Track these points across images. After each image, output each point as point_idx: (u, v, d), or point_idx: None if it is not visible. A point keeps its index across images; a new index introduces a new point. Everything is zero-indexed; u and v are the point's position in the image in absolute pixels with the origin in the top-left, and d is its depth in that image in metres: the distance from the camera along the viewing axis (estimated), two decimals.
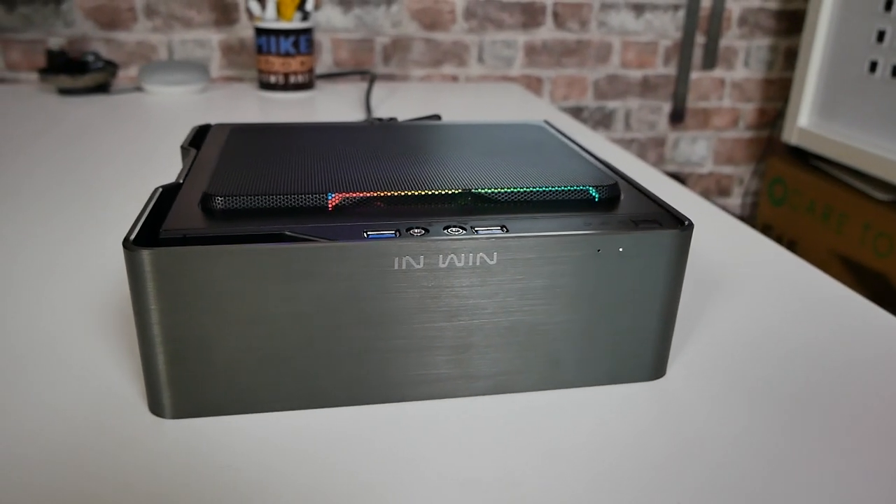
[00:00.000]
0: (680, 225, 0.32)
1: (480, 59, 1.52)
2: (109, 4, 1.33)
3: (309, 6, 1.10)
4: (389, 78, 1.49)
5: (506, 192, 0.34)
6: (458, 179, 0.35)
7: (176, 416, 0.31)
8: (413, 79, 1.50)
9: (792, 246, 1.66)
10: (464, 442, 0.30)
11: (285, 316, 0.30)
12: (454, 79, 1.52)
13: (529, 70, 1.55)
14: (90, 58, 1.05)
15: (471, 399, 0.33)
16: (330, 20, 1.42)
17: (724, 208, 1.80)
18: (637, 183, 0.38)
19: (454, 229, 0.30)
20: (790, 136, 1.57)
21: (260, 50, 1.09)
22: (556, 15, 1.52)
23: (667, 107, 1.67)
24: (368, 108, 0.95)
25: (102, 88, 1.07)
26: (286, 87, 1.10)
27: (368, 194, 0.33)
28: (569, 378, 0.33)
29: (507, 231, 0.30)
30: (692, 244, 0.52)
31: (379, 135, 0.44)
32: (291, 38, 1.07)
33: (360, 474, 0.28)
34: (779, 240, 1.70)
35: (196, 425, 0.31)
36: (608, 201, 0.35)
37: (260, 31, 1.08)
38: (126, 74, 1.37)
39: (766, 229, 1.75)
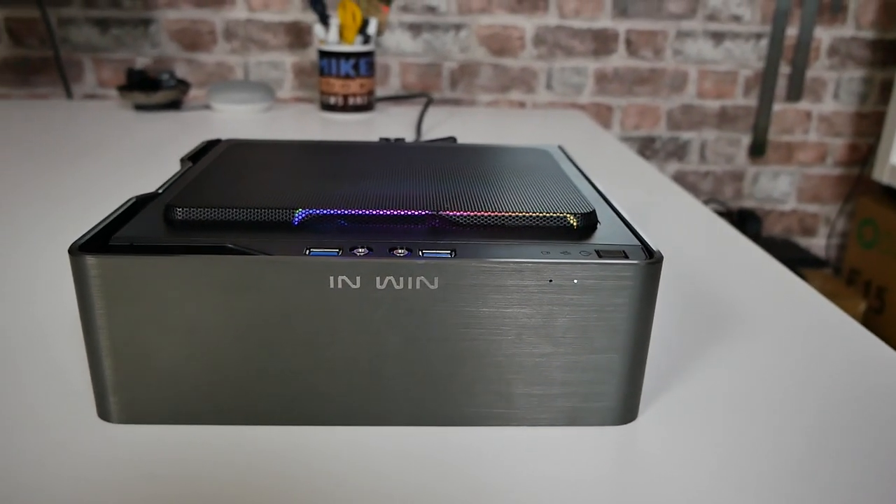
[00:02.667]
0: (647, 257, 0.30)
1: (549, 86, 1.50)
2: (192, 27, 1.40)
3: (371, 30, 1.12)
4: (455, 102, 1.50)
5: (473, 216, 0.33)
6: (430, 201, 0.34)
7: (122, 421, 0.31)
8: (479, 104, 1.50)
9: (881, 293, 1.54)
10: (393, 475, 0.29)
11: (222, 329, 0.29)
12: (521, 105, 1.51)
13: (599, 98, 1.52)
14: (165, 76, 1.11)
15: (408, 429, 0.31)
16: (399, 44, 1.44)
17: (808, 249, 1.70)
18: (622, 213, 0.35)
19: (401, 251, 0.29)
20: (882, 174, 1.47)
21: (322, 72, 1.12)
22: (628, 42, 1.48)
23: (746, 139, 1.60)
24: (419, 131, 0.95)
25: (174, 105, 1.12)
26: (345, 108, 1.12)
27: (331, 212, 0.33)
28: (520, 415, 0.31)
29: (456, 255, 0.29)
30: (711, 276, 0.49)
31: (377, 154, 0.44)
32: (352, 61, 1.10)
33: (278, 496, 0.27)
34: (867, 286, 1.59)
35: (138, 432, 0.31)
36: (584, 230, 0.33)
37: (322, 54, 1.11)
38: (200, 93, 1.44)
39: (854, 274, 1.64)
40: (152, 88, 1.09)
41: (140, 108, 1.10)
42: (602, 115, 1.54)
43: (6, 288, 0.45)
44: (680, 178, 1.62)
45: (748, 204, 1.66)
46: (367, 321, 0.29)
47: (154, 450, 0.30)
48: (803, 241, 1.71)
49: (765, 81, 1.54)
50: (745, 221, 1.56)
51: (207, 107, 1.14)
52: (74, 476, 0.28)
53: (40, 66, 1.41)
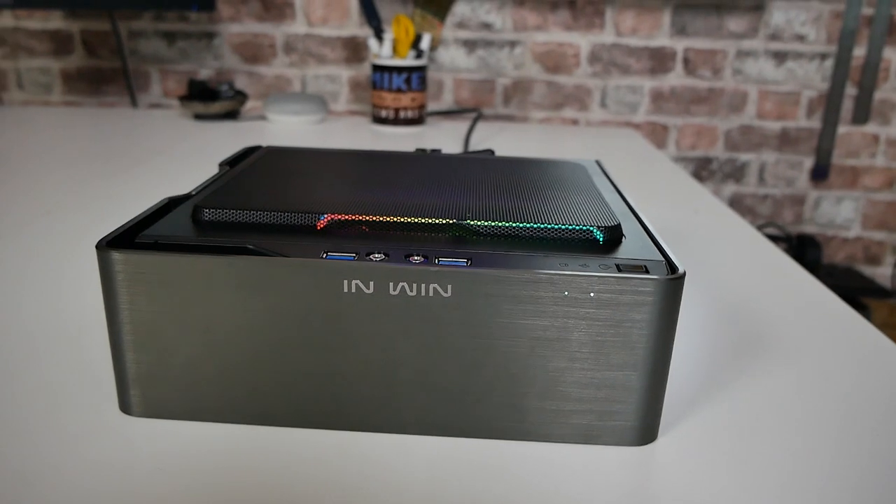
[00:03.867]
0: (669, 273, 0.29)
1: (603, 104, 1.49)
2: (254, 41, 1.44)
3: (424, 45, 1.13)
4: (508, 119, 1.50)
5: (496, 226, 0.33)
6: (454, 210, 0.34)
7: (141, 415, 0.32)
8: (532, 121, 1.50)
9: None
10: (398, 483, 0.28)
11: (238, 329, 0.30)
12: (574, 122, 1.50)
13: (655, 117, 1.50)
14: (223, 87, 1.14)
15: (418, 438, 0.31)
16: (454, 60, 1.45)
17: (872, 279, 1.63)
18: (650, 229, 0.35)
19: (417, 258, 0.29)
20: None
21: (374, 85, 1.13)
22: (686, 61, 1.46)
23: (808, 162, 1.55)
24: (466, 145, 0.96)
25: (232, 115, 1.16)
26: (396, 121, 1.13)
27: (354, 218, 0.33)
28: (534, 430, 0.31)
29: (471, 264, 0.29)
30: (752, 299, 0.47)
31: (410, 164, 0.44)
32: (404, 75, 1.11)
33: (283, 498, 0.27)
34: None
35: (156, 426, 0.31)
36: (609, 244, 0.32)
37: (375, 68, 1.12)
38: (258, 105, 1.48)
39: None
40: (211, 99, 1.13)
41: (199, 117, 1.14)
42: (657, 135, 1.51)
43: (58, 284, 0.46)
44: (737, 201, 1.57)
45: (809, 229, 1.60)
46: (380, 327, 0.29)
47: (169, 444, 0.30)
48: (867, 270, 1.64)
49: (829, 103, 1.49)
50: (805, 247, 1.50)
51: (263, 117, 1.17)
52: (90, 465, 0.29)
53: (110, 76, 1.47)
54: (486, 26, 1.43)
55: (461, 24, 1.43)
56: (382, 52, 1.13)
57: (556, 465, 0.30)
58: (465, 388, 0.30)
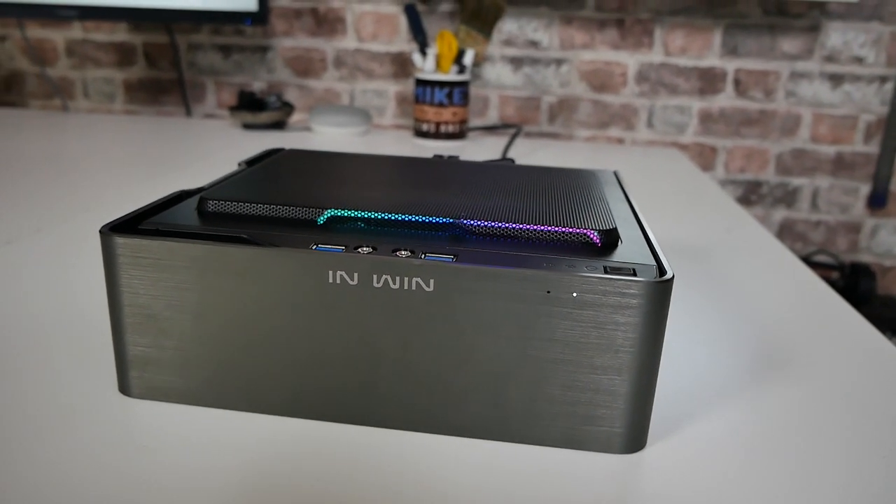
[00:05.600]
0: (657, 276, 0.29)
1: (650, 124, 1.47)
2: (305, 55, 1.48)
3: (467, 61, 1.14)
4: (553, 136, 1.49)
5: (491, 226, 0.33)
6: (453, 209, 0.35)
7: (138, 396, 0.33)
8: (577, 139, 1.49)
9: None
10: (373, 478, 0.29)
11: (229, 316, 0.30)
12: (619, 141, 1.49)
13: (703, 138, 1.47)
14: (272, 99, 1.18)
15: (399, 433, 0.31)
16: (500, 77, 1.46)
17: None
18: (650, 236, 0.34)
19: (404, 252, 0.30)
20: None
21: (417, 99, 1.15)
22: (737, 82, 1.43)
23: (865, 189, 1.49)
24: (504, 158, 0.96)
25: (279, 125, 1.19)
26: (437, 135, 1.14)
27: (352, 214, 0.34)
28: (515, 431, 0.31)
29: (457, 261, 0.29)
30: (769, 316, 0.45)
31: (423, 168, 0.45)
32: (445, 90, 1.12)
33: (265, 485, 0.28)
34: None
35: (152, 408, 0.32)
36: (605, 247, 0.32)
37: (418, 82, 1.14)
38: (306, 116, 1.51)
39: None
40: (259, 109, 1.16)
41: (247, 126, 1.17)
42: (705, 157, 1.49)
43: (81, 273, 0.49)
44: (788, 227, 1.53)
45: (864, 258, 1.54)
46: (363, 319, 0.30)
47: (161, 426, 0.31)
48: None
49: (888, 128, 1.44)
50: (859, 276, 1.44)
51: (308, 128, 1.20)
52: (85, 443, 0.30)
53: (168, 87, 1.53)
54: (533, 44, 1.44)
55: (508, 42, 1.44)
56: (425, 67, 1.14)
57: (537, 469, 0.29)
58: (447, 385, 0.30)
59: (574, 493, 0.28)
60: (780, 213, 1.52)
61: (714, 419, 0.34)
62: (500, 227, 0.33)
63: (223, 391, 0.32)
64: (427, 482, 0.28)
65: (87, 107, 1.57)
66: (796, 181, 1.50)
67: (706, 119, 1.46)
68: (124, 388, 0.33)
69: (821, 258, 1.54)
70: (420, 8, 1.42)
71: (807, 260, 1.52)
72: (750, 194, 1.51)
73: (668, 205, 0.78)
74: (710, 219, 0.72)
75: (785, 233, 1.54)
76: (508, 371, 0.29)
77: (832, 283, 1.46)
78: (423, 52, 1.17)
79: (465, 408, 0.30)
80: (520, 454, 0.30)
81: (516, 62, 1.45)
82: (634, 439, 0.30)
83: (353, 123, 1.17)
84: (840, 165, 1.48)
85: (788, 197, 1.51)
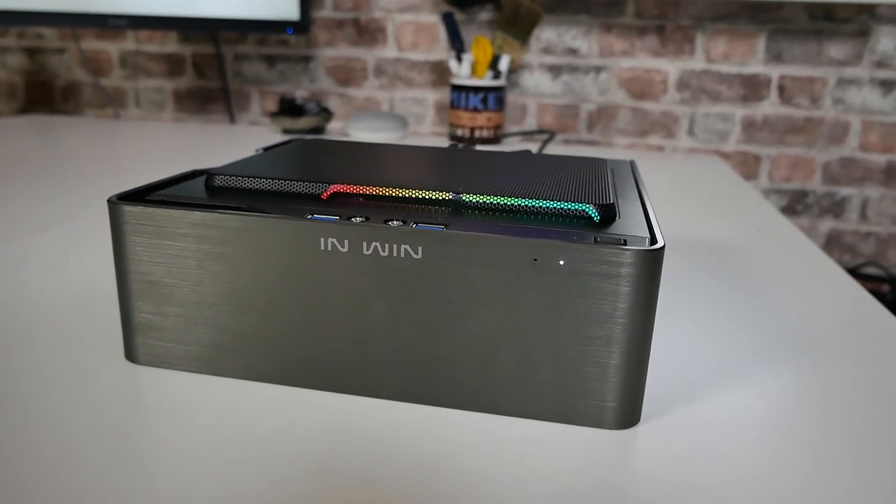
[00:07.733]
0: (647, 245, 0.28)
1: (691, 132, 1.45)
2: (347, 64, 1.51)
3: (502, 66, 1.15)
4: (592, 144, 1.48)
5: (490, 200, 0.33)
6: (454, 186, 0.35)
7: (144, 363, 0.34)
8: (617, 146, 1.48)
9: None
10: (362, 448, 0.29)
11: (226, 284, 0.31)
12: (659, 149, 1.47)
13: (746, 146, 1.44)
14: (311, 105, 1.20)
15: (392, 404, 0.31)
16: (538, 85, 1.46)
17: None
18: (650, 213, 0.34)
19: (396, 222, 0.30)
20: None
21: (452, 104, 1.16)
22: (781, 89, 1.40)
23: None
24: None
25: (317, 131, 1.21)
26: (471, 140, 1.15)
27: (353, 189, 0.34)
28: (505, 404, 0.30)
29: (446, 229, 0.29)
30: (791, 309, 0.44)
31: (436, 155, 0.45)
32: (480, 95, 1.13)
33: (251, 456, 0.28)
34: None
35: (156, 375, 0.33)
36: (602, 222, 0.32)
37: (454, 87, 1.15)
38: (345, 124, 1.54)
39: None
40: (298, 114, 1.19)
41: (287, 131, 1.20)
42: (748, 165, 1.46)
43: (100, 253, 0.50)
44: (835, 238, 1.48)
45: None
46: (353, 286, 0.30)
47: (164, 392, 0.32)
48: None
49: None
50: None
51: (346, 134, 1.22)
52: (89, 407, 0.31)
53: (215, 96, 1.58)
54: (572, 52, 1.44)
55: (546, 49, 1.44)
56: (461, 73, 1.15)
57: (527, 443, 0.29)
58: (436, 355, 0.30)
59: (563, 467, 0.28)
60: (827, 224, 1.48)
61: (718, 400, 0.33)
62: (497, 201, 0.33)
63: (221, 359, 0.33)
64: (416, 455, 0.28)
65: (138, 115, 1.63)
66: (844, 191, 1.45)
67: (749, 127, 1.43)
68: (130, 354, 0.34)
69: (870, 270, 1.48)
70: (458, 17, 1.43)
71: (855, 271, 1.47)
72: (795, 204, 1.47)
73: (705, 211, 0.76)
74: (747, 225, 0.71)
75: (832, 244, 1.49)
76: (497, 341, 0.29)
77: (881, 296, 1.40)
78: (460, 59, 1.18)
79: (454, 378, 0.31)
80: (510, 427, 0.30)
81: (555, 70, 1.45)
82: (627, 414, 0.30)
83: (389, 129, 1.18)
84: (891, 175, 1.43)
85: (836, 207, 1.46)
